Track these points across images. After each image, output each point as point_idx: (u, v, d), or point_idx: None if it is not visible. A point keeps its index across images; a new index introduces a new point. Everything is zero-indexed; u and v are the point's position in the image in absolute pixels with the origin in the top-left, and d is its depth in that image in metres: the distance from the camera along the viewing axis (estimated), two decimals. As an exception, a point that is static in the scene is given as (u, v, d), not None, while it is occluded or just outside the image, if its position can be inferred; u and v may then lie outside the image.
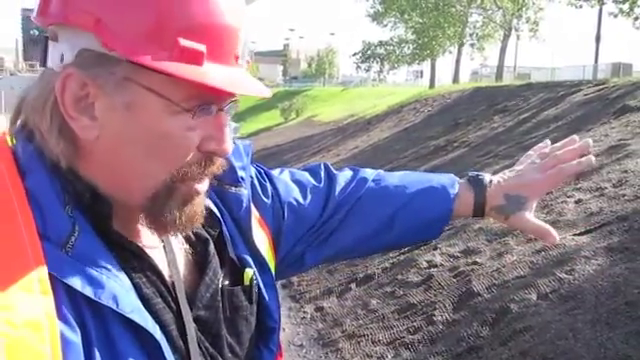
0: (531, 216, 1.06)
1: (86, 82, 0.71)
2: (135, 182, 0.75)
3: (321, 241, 1.09)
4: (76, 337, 0.66)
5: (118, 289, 0.70)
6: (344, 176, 1.14)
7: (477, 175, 1.10)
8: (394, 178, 1.15)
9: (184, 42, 0.68)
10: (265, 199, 1.04)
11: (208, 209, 0.89)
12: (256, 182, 1.04)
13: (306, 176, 1.12)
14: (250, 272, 0.92)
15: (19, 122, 0.78)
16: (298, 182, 1.10)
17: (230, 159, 0.93)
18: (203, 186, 0.79)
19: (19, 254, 0.65)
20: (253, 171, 1.04)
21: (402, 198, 1.11)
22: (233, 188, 0.95)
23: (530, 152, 1.13)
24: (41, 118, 0.74)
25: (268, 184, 1.06)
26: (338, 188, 1.11)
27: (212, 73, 0.70)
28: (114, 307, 0.69)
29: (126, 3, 0.69)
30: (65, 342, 0.64)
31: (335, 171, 1.15)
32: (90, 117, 0.72)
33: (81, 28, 0.70)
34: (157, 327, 0.73)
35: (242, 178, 0.96)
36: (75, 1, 0.70)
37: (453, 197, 1.10)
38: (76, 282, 0.67)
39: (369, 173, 1.15)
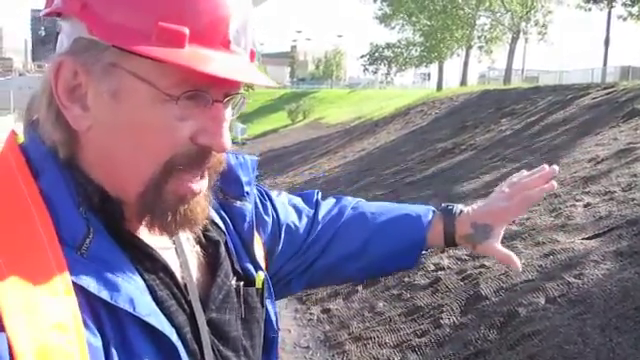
0: (497, 244, 1.09)
1: (77, 69, 0.70)
2: (126, 175, 0.73)
3: (305, 268, 1.12)
4: (96, 340, 0.65)
5: (134, 291, 0.69)
6: (327, 204, 1.18)
7: (447, 206, 1.14)
8: (372, 207, 1.19)
9: (163, 24, 0.66)
10: (266, 218, 1.05)
11: (212, 220, 0.89)
12: (258, 200, 1.05)
13: (300, 201, 1.15)
14: (262, 275, 0.92)
15: (30, 119, 0.77)
16: (294, 206, 1.13)
17: (237, 173, 0.94)
18: (199, 185, 0.76)
19: (39, 256, 0.65)
20: (255, 191, 1.04)
21: (376, 224, 1.15)
22: (238, 202, 0.94)
23: (502, 183, 1.17)
24: (40, 107, 0.74)
25: (269, 204, 1.07)
26: (321, 214, 1.15)
27: (194, 55, 0.67)
28: (131, 310, 0.68)
29: None
30: (89, 346, 0.64)
31: (321, 198, 1.18)
32: (82, 106, 0.71)
33: (73, 15, 0.70)
34: (173, 330, 0.72)
35: (247, 193, 0.95)
36: None
37: (426, 225, 1.13)
38: (92, 285, 0.67)
39: (349, 201, 1.19)
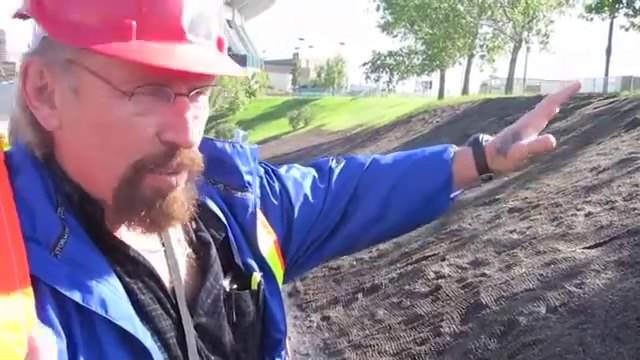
0: (527, 141, 1.00)
1: (42, 69, 0.70)
2: (98, 173, 0.72)
3: (327, 236, 1.06)
4: (59, 341, 0.64)
5: (108, 294, 0.68)
6: (339, 167, 1.11)
7: (475, 135, 1.07)
8: (387, 158, 1.12)
9: (112, 17, 0.65)
10: (274, 200, 1.01)
11: (212, 213, 0.88)
12: (265, 183, 1.02)
13: (313, 171, 1.10)
14: (258, 276, 0.89)
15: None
16: (306, 178, 1.08)
17: (236, 162, 0.92)
18: (174, 180, 0.73)
19: (1, 256, 0.64)
20: (262, 171, 1.02)
21: (396, 175, 1.07)
22: (239, 193, 0.92)
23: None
24: (15, 109, 0.74)
25: (276, 184, 1.03)
26: (334, 179, 1.08)
27: (142, 48, 0.65)
28: (102, 313, 0.67)
29: None
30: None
31: (335, 163, 1.12)
32: (50, 106, 0.71)
33: (32, 15, 0.69)
34: (148, 335, 0.71)
35: (249, 183, 0.93)
36: None
37: (449, 160, 1.06)
38: (64, 286, 0.66)
39: (363, 159, 1.12)
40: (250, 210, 0.92)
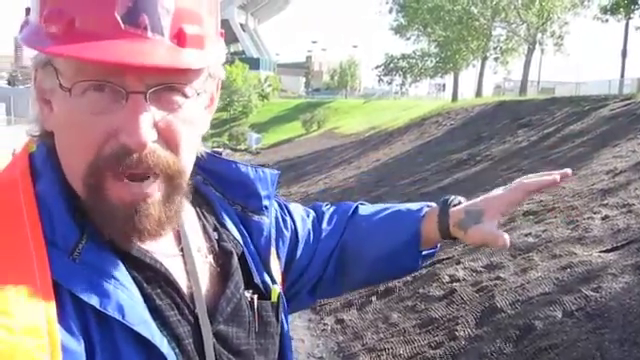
0: (487, 228, 0.99)
1: (36, 72, 0.73)
2: (71, 177, 0.71)
3: (319, 277, 1.09)
4: (78, 346, 0.64)
5: (125, 300, 0.68)
6: (329, 212, 1.14)
7: (446, 198, 1.07)
8: (368, 210, 1.15)
9: (52, 13, 0.65)
10: (286, 232, 1.04)
11: (230, 233, 0.89)
12: (279, 215, 1.04)
13: (312, 212, 1.14)
14: (277, 289, 0.90)
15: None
16: (308, 217, 1.12)
17: (256, 186, 0.92)
18: (141, 189, 0.69)
19: (23, 260, 0.65)
20: (275, 204, 1.03)
21: (370, 226, 1.10)
22: (256, 216, 0.93)
23: None
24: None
25: (288, 217, 1.06)
26: (324, 225, 1.11)
27: (77, 42, 0.64)
28: (120, 318, 0.67)
29: None
30: (66, 351, 0.63)
31: (325, 209, 1.15)
32: (50, 108, 0.72)
33: None
34: (165, 340, 0.71)
35: (266, 207, 0.94)
36: None
37: (420, 218, 1.07)
38: (82, 291, 0.66)
39: (349, 207, 1.15)
40: (265, 234, 0.93)
